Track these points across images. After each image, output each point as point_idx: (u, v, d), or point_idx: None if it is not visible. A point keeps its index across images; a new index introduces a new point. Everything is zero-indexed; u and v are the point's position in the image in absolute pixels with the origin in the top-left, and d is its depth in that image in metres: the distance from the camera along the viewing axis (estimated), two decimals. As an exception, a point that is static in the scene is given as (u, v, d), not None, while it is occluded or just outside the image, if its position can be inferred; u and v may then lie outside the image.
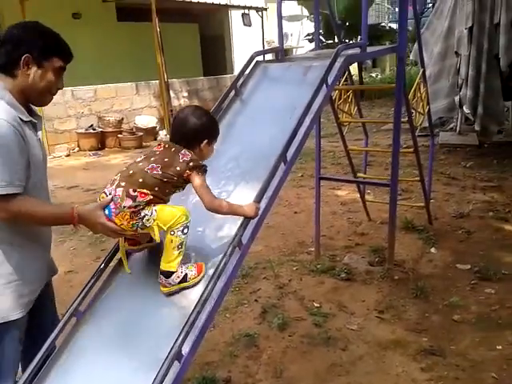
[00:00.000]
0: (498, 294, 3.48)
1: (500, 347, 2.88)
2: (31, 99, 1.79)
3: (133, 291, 1.92)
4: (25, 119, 1.71)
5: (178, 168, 1.72)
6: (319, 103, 2.35)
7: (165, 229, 1.70)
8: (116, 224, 1.68)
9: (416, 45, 6.40)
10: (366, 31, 2.85)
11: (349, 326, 3.22)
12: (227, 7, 15.55)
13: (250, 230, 1.92)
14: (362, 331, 3.17)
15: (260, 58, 2.97)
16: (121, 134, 10.72)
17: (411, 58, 8.39)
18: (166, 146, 1.80)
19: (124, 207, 1.66)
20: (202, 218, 2.07)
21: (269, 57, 3.20)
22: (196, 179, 1.74)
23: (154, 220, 1.69)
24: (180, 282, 1.77)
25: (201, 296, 1.72)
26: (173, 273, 1.74)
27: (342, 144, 4.56)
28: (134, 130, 11.02)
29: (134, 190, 1.66)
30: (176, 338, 1.59)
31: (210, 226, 2.06)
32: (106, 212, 1.69)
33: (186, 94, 12.90)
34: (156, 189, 1.69)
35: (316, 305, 3.51)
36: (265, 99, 2.71)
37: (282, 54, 3.17)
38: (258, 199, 1.96)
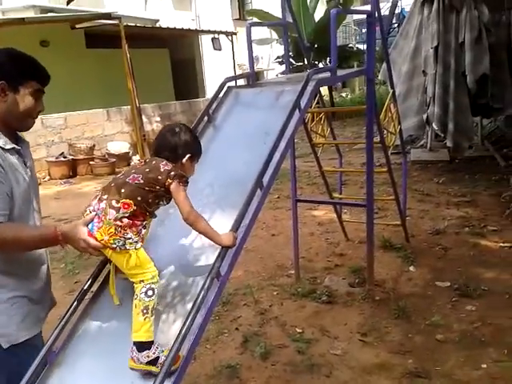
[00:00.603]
0: (478, 311, 3.48)
1: (485, 365, 2.87)
2: (12, 125, 1.75)
3: (108, 328, 1.83)
4: (6, 147, 1.67)
5: (160, 177, 1.68)
6: (293, 127, 2.34)
7: (128, 273, 1.66)
8: (97, 239, 1.61)
9: (384, 65, 6.54)
10: (335, 55, 2.87)
11: (332, 351, 3.16)
12: (197, 32, 15.68)
13: (228, 260, 1.86)
14: (345, 356, 3.12)
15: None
16: (92, 160, 10.57)
17: (380, 77, 8.53)
18: (147, 160, 1.78)
19: (109, 220, 1.60)
20: (179, 247, 2.01)
21: (240, 81, 3.19)
22: (176, 188, 1.70)
23: (136, 249, 1.64)
24: (148, 363, 1.59)
25: (179, 332, 1.65)
26: (145, 345, 1.59)
27: (316, 164, 4.57)
28: (107, 156, 10.89)
29: (117, 201, 1.62)
30: (155, 378, 1.52)
31: (187, 257, 2.01)
32: (89, 227, 1.63)
33: (158, 119, 12.85)
34: (139, 198, 1.65)
35: (298, 330, 3.45)
36: (238, 125, 2.68)
37: (252, 79, 3.16)
38: (235, 228, 1.92)
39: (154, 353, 1.59)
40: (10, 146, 1.70)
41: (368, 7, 3.41)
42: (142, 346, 1.59)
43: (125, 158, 11.15)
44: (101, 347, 1.78)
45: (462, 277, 4.02)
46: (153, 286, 1.65)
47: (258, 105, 2.77)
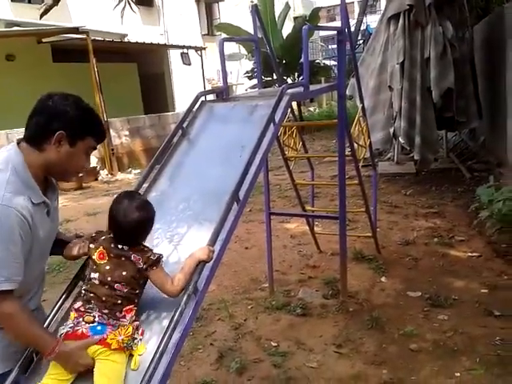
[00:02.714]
0: (450, 321, 3.54)
1: (458, 374, 2.91)
2: (55, 175, 1.70)
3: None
4: (35, 202, 1.57)
5: (138, 275, 1.70)
6: (268, 141, 2.36)
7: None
8: (107, 343, 1.60)
9: (352, 80, 6.69)
10: (307, 70, 2.91)
11: (308, 364, 3.16)
12: (166, 47, 15.67)
13: (205, 275, 1.85)
14: (321, 368, 3.12)
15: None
16: (58, 181, 10.32)
17: (347, 92, 8.70)
18: (111, 254, 1.71)
19: (125, 322, 1.66)
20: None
21: (210, 96, 3.20)
22: (153, 276, 1.72)
23: (137, 348, 1.68)
24: None
25: (156, 350, 1.63)
26: None
27: (288, 177, 4.60)
28: (74, 171, 10.67)
29: (121, 311, 1.67)
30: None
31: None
32: (99, 328, 1.63)
33: (127, 133, 12.73)
34: (136, 300, 1.72)
35: (274, 344, 3.44)
36: (212, 139, 2.68)
37: (226, 93, 3.18)
38: (212, 242, 1.91)
39: None
40: (40, 200, 1.60)
41: (333, 24, 3.49)
42: None
43: (92, 173, 10.97)
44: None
45: (432, 286, 4.09)
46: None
47: (233, 119, 2.78)
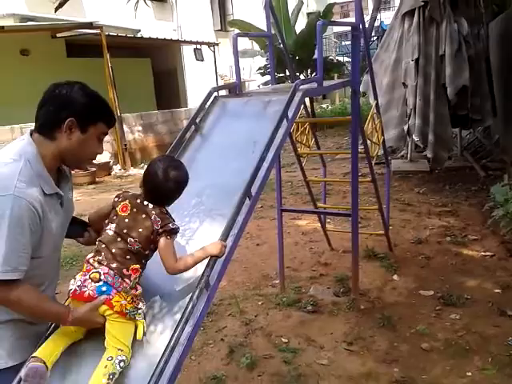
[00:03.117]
0: (462, 320, 3.51)
1: (470, 374, 2.89)
2: (69, 163, 1.70)
3: (92, 342, 1.77)
4: (48, 193, 1.58)
5: (153, 237, 1.70)
6: (281, 137, 2.35)
7: (115, 339, 1.63)
8: (111, 303, 1.62)
9: (365, 76, 6.64)
10: (321, 66, 2.88)
11: (319, 361, 3.15)
12: (179, 42, 15.68)
13: (217, 270, 1.85)
14: (332, 365, 3.11)
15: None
16: (72, 170, 10.40)
17: (361, 89, 8.65)
18: (134, 209, 1.73)
19: (127, 288, 1.65)
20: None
21: (222, 91, 3.20)
22: (162, 244, 1.70)
23: (143, 319, 1.69)
24: None
25: (168, 343, 1.64)
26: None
27: (299, 174, 4.59)
28: (87, 166, 10.76)
29: (128, 269, 1.66)
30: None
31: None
32: (104, 288, 1.62)
33: (140, 128, 12.78)
34: (143, 261, 1.72)
35: (284, 340, 3.43)
36: (225, 134, 2.68)
37: (239, 88, 3.17)
38: (224, 237, 1.91)
39: None
40: (52, 191, 1.60)
41: (347, 20, 3.46)
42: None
43: (105, 168, 11.05)
44: (84, 359, 1.72)
45: (445, 285, 4.06)
46: (125, 360, 1.62)
47: (246, 114, 2.78)
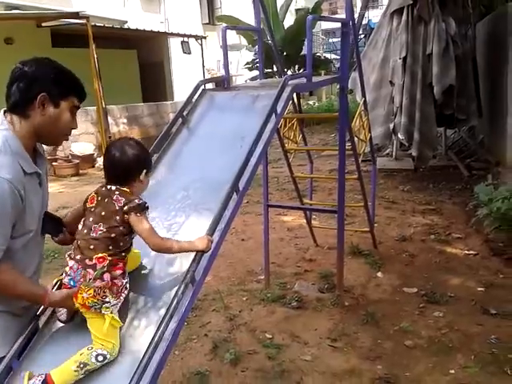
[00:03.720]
0: (446, 317, 3.53)
1: (453, 371, 2.91)
2: (45, 140, 1.69)
3: (74, 336, 1.74)
4: (29, 171, 1.57)
5: (118, 217, 1.64)
6: (269, 132, 2.33)
7: (93, 335, 1.62)
8: (76, 295, 1.60)
9: (353, 74, 6.63)
10: (310, 61, 2.87)
11: (302, 357, 3.15)
12: (166, 34, 15.53)
13: (202, 265, 1.83)
14: (315, 361, 3.11)
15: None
16: (56, 161, 10.29)
17: (349, 86, 8.65)
18: (99, 197, 1.70)
19: (89, 280, 1.60)
20: (150, 252, 1.96)
21: (209, 85, 3.16)
22: (136, 222, 1.65)
23: (111, 313, 1.62)
24: None
25: (152, 339, 1.61)
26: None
27: (286, 170, 4.57)
28: (70, 157, 10.63)
29: (91, 259, 1.61)
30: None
31: (159, 262, 1.95)
32: (71, 283, 1.63)
33: (125, 121, 12.66)
34: (110, 247, 1.63)
35: (268, 336, 3.42)
36: (213, 128, 2.65)
37: (227, 82, 3.14)
38: (211, 232, 1.89)
39: None
40: (32, 169, 1.60)
41: (336, 16, 3.45)
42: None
43: (89, 160, 10.93)
44: (67, 353, 1.69)
45: (428, 283, 4.09)
46: (108, 356, 1.59)
47: (234, 108, 2.75)
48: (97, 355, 1.57)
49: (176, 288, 1.76)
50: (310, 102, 22.46)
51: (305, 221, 5.10)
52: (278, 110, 2.42)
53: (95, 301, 1.59)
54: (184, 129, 2.66)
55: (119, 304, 1.65)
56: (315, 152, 10.21)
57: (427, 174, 8.13)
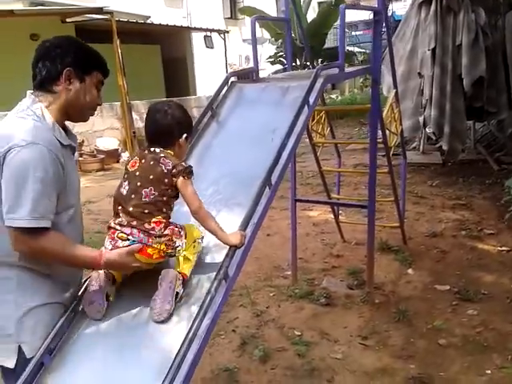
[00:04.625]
0: (480, 315, 3.43)
1: (489, 371, 2.81)
2: (72, 116, 1.70)
3: (106, 333, 1.71)
4: (64, 143, 1.61)
5: (167, 180, 1.64)
6: (301, 125, 2.26)
7: (189, 256, 1.72)
8: (146, 255, 1.63)
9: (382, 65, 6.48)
10: (343, 52, 2.80)
11: (333, 355, 3.09)
12: (189, 29, 15.54)
13: (236, 261, 1.78)
14: (346, 360, 3.04)
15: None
16: (81, 156, 10.38)
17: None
18: (143, 160, 1.69)
19: (157, 239, 1.62)
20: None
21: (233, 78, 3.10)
22: (182, 184, 1.66)
23: (184, 250, 1.69)
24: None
25: (186, 336, 1.57)
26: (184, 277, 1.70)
27: (310, 164, 4.50)
28: (95, 152, 10.73)
29: (149, 223, 1.62)
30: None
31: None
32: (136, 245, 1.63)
33: (148, 116, 12.68)
34: (164, 210, 1.65)
35: (297, 333, 3.37)
36: (243, 121, 2.60)
37: (256, 74, 3.07)
38: (243, 227, 1.84)
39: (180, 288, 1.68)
40: (67, 142, 1.63)
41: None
42: (184, 280, 1.70)
43: (114, 155, 11.00)
44: (98, 350, 1.67)
45: (461, 280, 3.97)
46: (202, 235, 1.78)
47: (264, 101, 2.68)
48: (201, 239, 1.78)
49: (209, 284, 1.72)
50: (333, 96, 22.22)
51: (331, 216, 5.03)
52: (311, 101, 2.35)
53: (170, 250, 1.65)
54: (213, 122, 2.61)
55: (183, 239, 1.69)
56: (340, 146, 10.08)
57: (456, 168, 7.95)
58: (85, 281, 1.74)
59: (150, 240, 1.61)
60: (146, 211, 1.62)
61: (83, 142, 10.69)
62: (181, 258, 1.70)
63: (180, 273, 1.68)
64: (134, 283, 1.79)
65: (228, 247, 1.77)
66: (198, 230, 1.77)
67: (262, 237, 5.31)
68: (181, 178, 1.64)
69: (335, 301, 3.77)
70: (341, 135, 12.86)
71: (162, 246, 1.63)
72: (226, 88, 2.76)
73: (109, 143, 11.03)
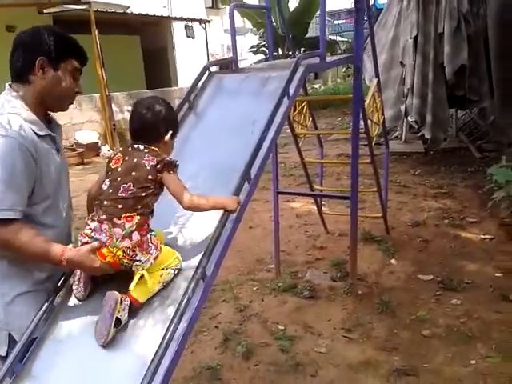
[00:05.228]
0: (463, 305, 3.42)
1: (474, 362, 2.80)
2: (50, 105, 1.68)
3: (79, 334, 1.65)
4: (42, 134, 1.60)
5: (151, 176, 1.61)
6: (281, 116, 2.20)
7: (146, 276, 1.60)
8: (101, 255, 1.57)
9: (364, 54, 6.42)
10: (324, 41, 2.72)
11: (317, 349, 3.05)
12: (169, 19, 15.30)
13: (214, 259, 1.72)
14: (330, 353, 3.01)
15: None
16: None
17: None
18: (126, 157, 1.65)
19: (117, 240, 1.55)
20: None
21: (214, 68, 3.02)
22: (168, 180, 1.63)
23: (143, 269, 1.59)
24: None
25: (162, 339, 1.51)
26: (136, 304, 1.60)
27: (292, 155, 4.44)
28: (74, 146, 10.52)
29: (119, 218, 1.56)
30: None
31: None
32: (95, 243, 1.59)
33: (129, 108, 12.49)
34: (139, 206, 1.59)
35: (280, 327, 3.32)
36: (221, 112, 2.52)
37: (236, 64, 2.99)
38: (222, 223, 1.78)
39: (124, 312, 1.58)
40: (44, 132, 1.62)
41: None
42: (132, 305, 1.58)
43: (94, 148, 10.81)
44: (71, 355, 1.61)
45: (444, 269, 3.97)
46: (179, 266, 1.70)
47: (243, 91, 2.61)
48: (173, 271, 1.67)
49: (186, 284, 1.66)
50: (316, 86, 22.15)
51: (314, 207, 4.98)
52: (291, 91, 2.29)
53: (125, 261, 1.57)
54: (191, 114, 2.53)
55: (151, 258, 1.61)
56: (322, 136, 10.04)
57: (438, 156, 7.97)
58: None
59: (109, 241, 1.55)
60: (120, 206, 1.58)
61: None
62: (136, 276, 1.60)
63: (128, 296, 1.58)
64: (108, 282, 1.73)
65: (206, 246, 1.71)
66: (179, 259, 1.70)
67: (244, 229, 5.25)
68: (165, 172, 1.61)
69: (319, 293, 3.73)
70: (324, 125, 12.82)
71: (119, 252, 1.55)
72: (204, 79, 2.69)
73: (88, 136, 10.83)
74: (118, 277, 1.70)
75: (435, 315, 3.33)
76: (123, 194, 1.58)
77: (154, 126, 1.68)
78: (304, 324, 3.35)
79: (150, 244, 1.61)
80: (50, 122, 1.72)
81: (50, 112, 1.74)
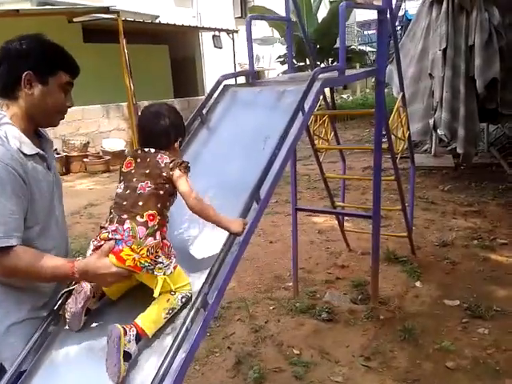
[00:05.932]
0: (492, 335, 3.20)
1: (501, 400, 2.59)
2: (39, 122, 1.60)
3: (81, 349, 1.58)
4: (28, 153, 1.49)
5: (165, 173, 1.57)
6: (295, 132, 2.07)
7: (172, 288, 1.55)
8: (122, 257, 1.47)
9: (389, 66, 6.25)
10: (344, 53, 2.59)
11: (333, 378, 2.88)
12: (197, 29, 15.39)
13: (216, 287, 1.60)
14: (347, 383, 2.84)
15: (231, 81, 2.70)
16: (87, 158, 10.28)
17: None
18: (138, 159, 1.62)
19: (141, 239, 1.48)
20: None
21: (240, 80, 2.92)
22: (179, 178, 1.58)
23: (165, 274, 1.52)
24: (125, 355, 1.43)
25: (156, 373, 1.40)
26: (143, 336, 1.49)
27: (317, 167, 4.29)
28: (101, 153, 10.61)
29: (142, 216, 1.51)
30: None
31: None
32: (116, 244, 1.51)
33: (155, 117, 12.56)
34: (159, 205, 1.55)
35: (296, 352, 3.16)
36: (234, 127, 2.42)
37: (253, 77, 2.89)
38: (228, 246, 1.67)
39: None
40: (33, 151, 1.52)
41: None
42: (139, 336, 1.48)
43: (120, 156, 10.81)
44: (73, 369, 1.55)
45: (472, 295, 3.74)
46: (188, 294, 1.59)
47: (258, 106, 2.50)
48: (181, 297, 1.57)
49: (185, 312, 1.55)
50: (344, 96, 21.95)
51: (336, 222, 4.81)
52: (306, 107, 2.17)
53: (148, 261, 1.48)
54: (203, 128, 2.44)
55: (172, 264, 1.55)
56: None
57: (468, 172, 7.68)
58: (64, 293, 1.63)
59: (133, 240, 1.47)
60: (140, 203, 1.52)
61: (88, 143, 10.59)
62: (159, 281, 1.50)
63: (135, 325, 1.48)
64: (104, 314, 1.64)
65: (208, 271, 1.60)
66: (190, 286, 1.61)
67: (264, 244, 5.13)
68: (177, 170, 1.57)
69: (338, 316, 3.56)
70: (350, 136, 12.63)
71: (143, 251, 1.46)
72: (218, 92, 2.59)
73: (115, 144, 10.90)
74: (115, 309, 1.64)
75: (461, 345, 3.11)
76: (142, 191, 1.54)
77: (166, 132, 1.66)
78: (321, 349, 3.18)
79: (172, 250, 1.57)
80: (39, 137, 1.64)
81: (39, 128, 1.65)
